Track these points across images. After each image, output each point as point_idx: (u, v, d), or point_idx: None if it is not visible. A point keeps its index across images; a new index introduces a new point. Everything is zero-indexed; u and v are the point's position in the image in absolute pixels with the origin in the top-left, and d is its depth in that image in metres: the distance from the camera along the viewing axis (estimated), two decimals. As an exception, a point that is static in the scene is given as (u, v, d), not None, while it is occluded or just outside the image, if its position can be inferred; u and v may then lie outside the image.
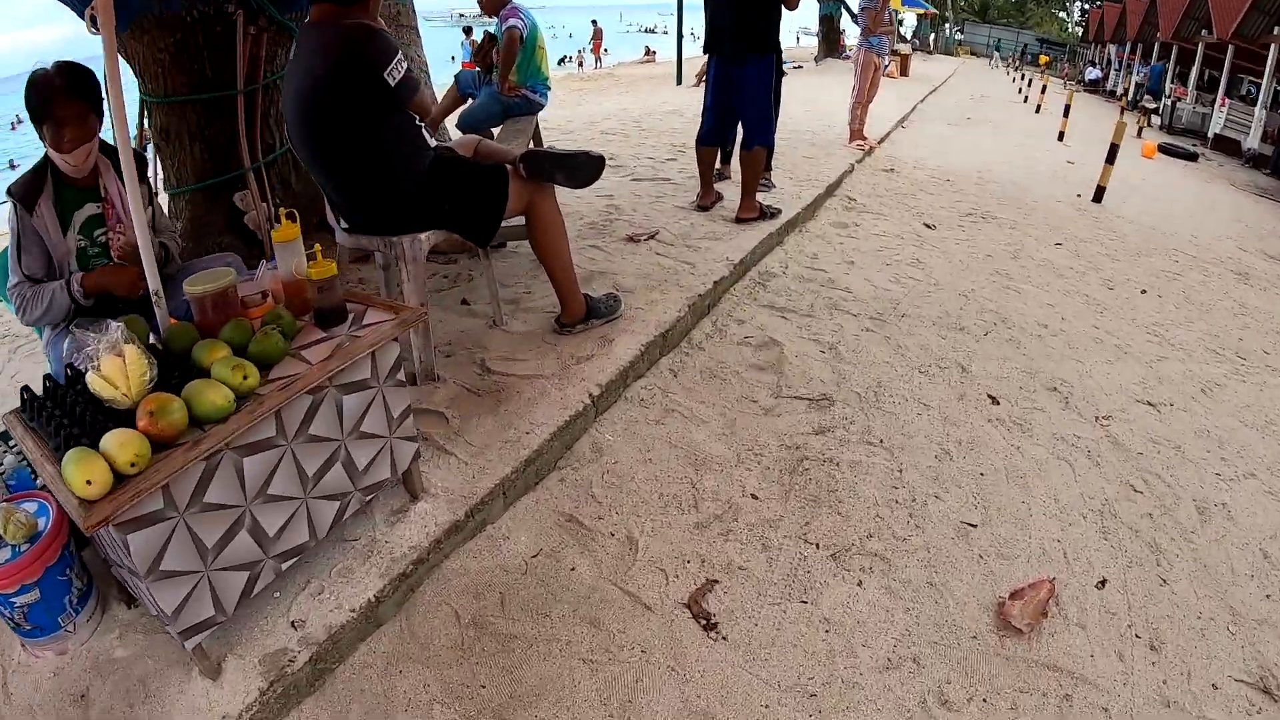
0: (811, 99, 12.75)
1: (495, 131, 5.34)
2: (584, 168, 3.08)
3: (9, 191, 2.45)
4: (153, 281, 2.27)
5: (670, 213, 5.33)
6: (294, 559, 2.09)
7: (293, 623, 2.10)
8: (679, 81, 15.70)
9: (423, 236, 2.88)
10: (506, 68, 5.19)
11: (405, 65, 2.51)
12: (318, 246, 2.18)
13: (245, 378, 1.86)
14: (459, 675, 2.10)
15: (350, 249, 3.16)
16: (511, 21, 5.10)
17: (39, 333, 2.89)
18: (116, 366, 1.80)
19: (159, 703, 1.93)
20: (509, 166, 2.99)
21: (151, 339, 2.22)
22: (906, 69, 20.37)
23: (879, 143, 9.42)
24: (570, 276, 3.34)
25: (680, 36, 16.36)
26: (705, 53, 4.98)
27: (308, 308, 2.29)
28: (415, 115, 2.73)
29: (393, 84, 2.48)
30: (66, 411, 1.85)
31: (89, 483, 1.60)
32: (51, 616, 2.04)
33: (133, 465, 1.65)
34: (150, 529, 1.73)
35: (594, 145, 7.71)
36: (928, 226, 6.15)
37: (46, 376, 2.01)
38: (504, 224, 3.00)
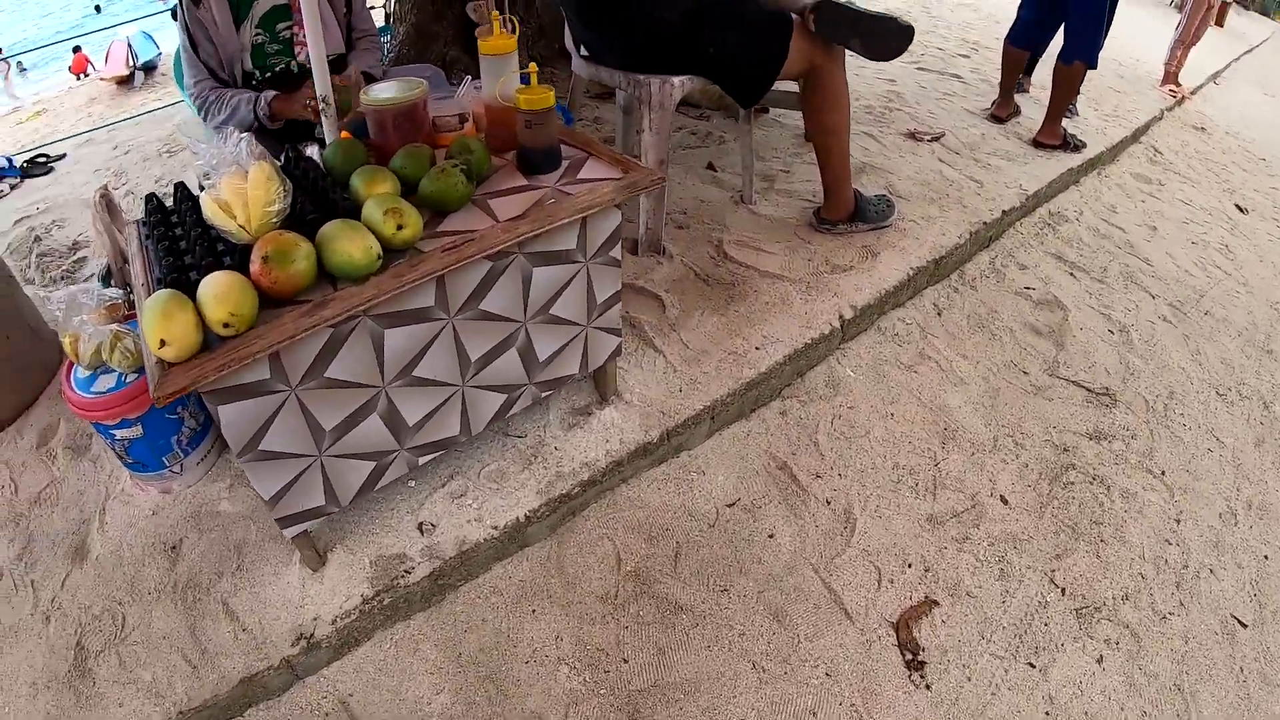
0: (1120, 27, 10.64)
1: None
2: (890, 35, 2.35)
3: None
4: (320, 85, 1.77)
5: (959, 115, 4.42)
6: (436, 453, 1.67)
7: (420, 525, 1.80)
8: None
9: (675, 81, 2.33)
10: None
11: None
12: (533, 66, 1.57)
13: (400, 227, 1.31)
14: (601, 636, 1.76)
15: (586, 79, 2.58)
16: None
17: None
18: (236, 189, 1.29)
19: (248, 579, 1.72)
20: (795, 17, 2.35)
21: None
22: (1223, 19, 17.00)
23: (1191, 94, 7.72)
24: (844, 164, 2.73)
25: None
26: None
27: (512, 143, 1.71)
28: None
29: None
30: (175, 238, 1.40)
31: (163, 343, 1.13)
32: (156, 455, 1.83)
33: (226, 326, 1.16)
34: (249, 402, 1.28)
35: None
36: (1240, 209, 4.93)
37: (179, 185, 1.57)
38: (775, 85, 2.40)
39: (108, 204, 2.21)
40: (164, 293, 1.18)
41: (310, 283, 1.26)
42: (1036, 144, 4.11)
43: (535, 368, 1.74)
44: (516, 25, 1.69)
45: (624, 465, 2.00)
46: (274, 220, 1.31)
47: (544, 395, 1.83)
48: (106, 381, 1.72)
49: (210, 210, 1.30)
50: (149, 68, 8.87)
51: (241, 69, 2.15)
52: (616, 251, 1.68)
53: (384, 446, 1.56)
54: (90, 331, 1.67)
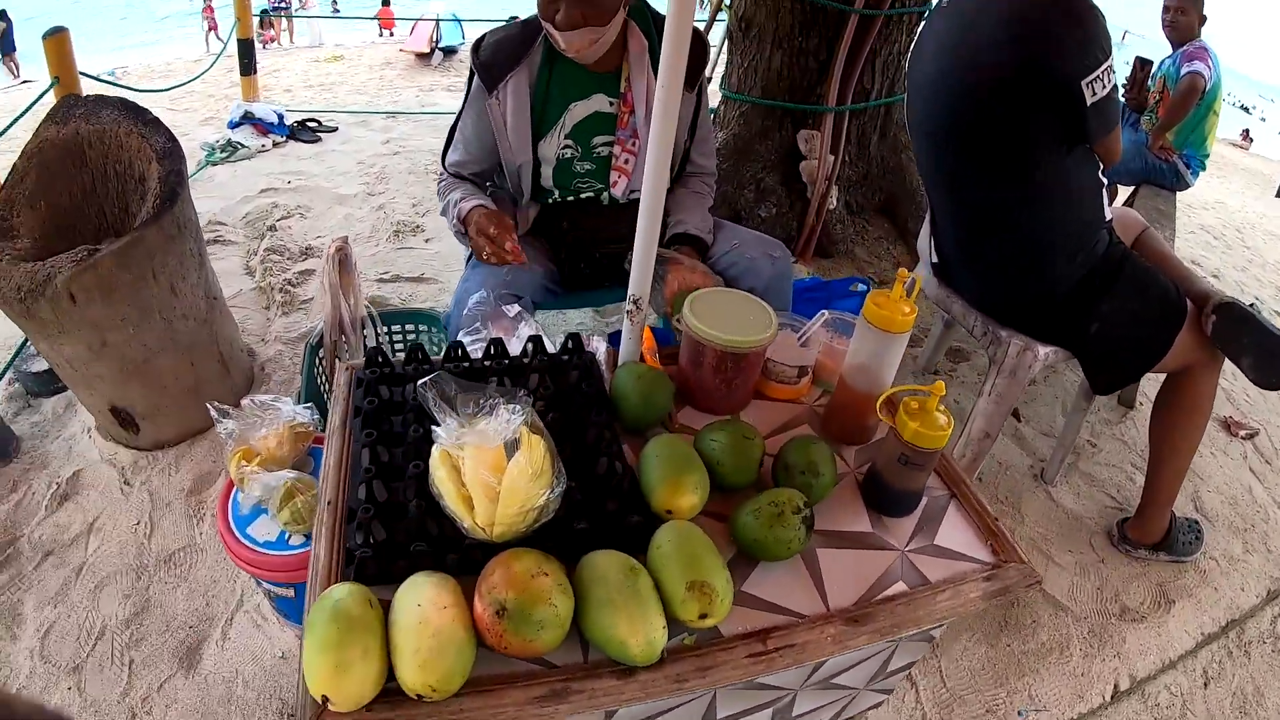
0: None
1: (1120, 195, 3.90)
2: (1290, 367, 1.82)
3: (475, 50, 1.69)
4: (637, 283, 1.24)
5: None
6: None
7: None
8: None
9: (1041, 352, 1.86)
10: (1171, 121, 3.81)
11: (1112, 78, 1.53)
12: (938, 389, 1.11)
13: (704, 615, 0.89)
14: None
15: (931, 297, 2.13)
16: (1197, 66, 3.69)
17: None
18: (484, 479, 0.90)
19: None
20: (1190, 306, 1.85)
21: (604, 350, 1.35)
22: None
23: None
24: (1176, 484, 2.18)
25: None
26: None
27: (855, 437, 1.28)
28: (1099, 160, 1.73)
29: (1089, 101, 1.52)
30: (391, 443, 1.08)
31: (326, 700, 0.76)
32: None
33: (420, 696, 0.78)
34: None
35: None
36: None
37: (417, 349, 1.25)
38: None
39: (341, 260, 1.94)
40: (344, 605, 0.81)
41: (555, 647, 0.86)
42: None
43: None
44: (900, 284, 1.22)
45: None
46: (526, 527, 0.93)
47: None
48: (267, 530, 1.41)
49: (441, 485, 0.93)
50: (449, 50, 9.17)
51: (535, 182, 1.77)
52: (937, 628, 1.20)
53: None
54: (263, 481, 1.37)
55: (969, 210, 1.85)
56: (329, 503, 1.03)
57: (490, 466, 0.90)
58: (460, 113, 1.74)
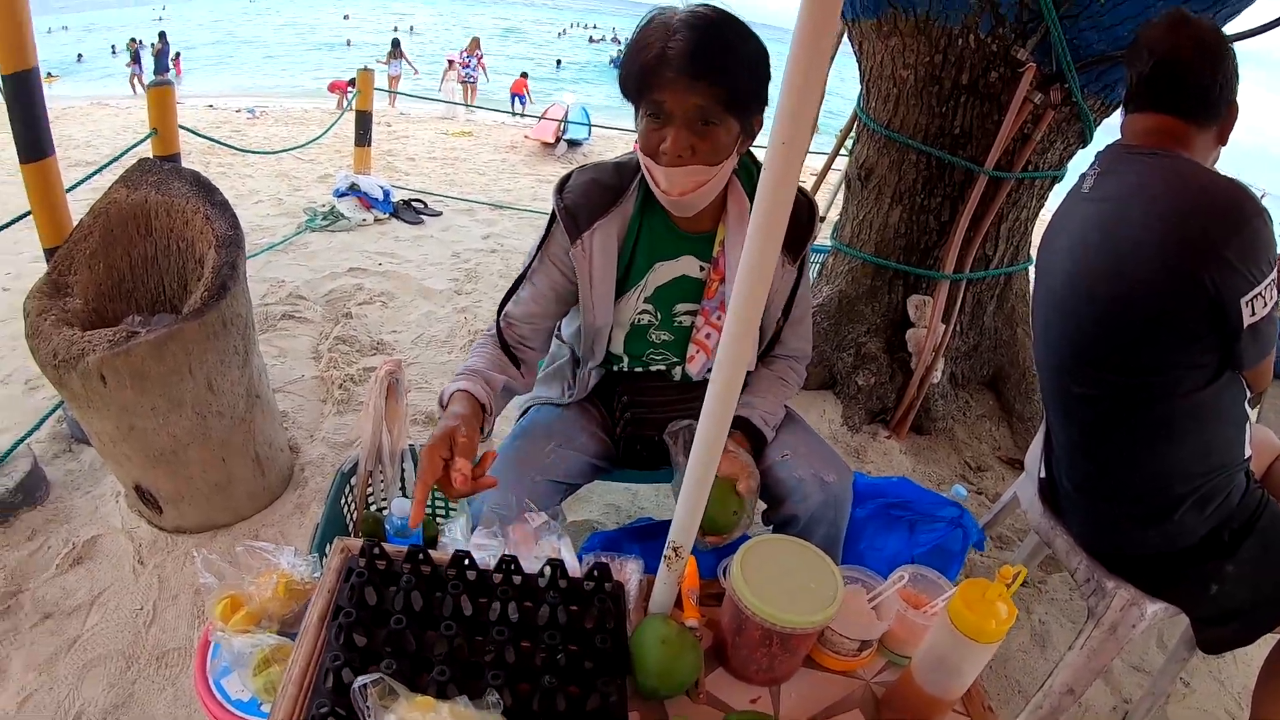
0: None
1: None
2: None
3: (559, 191, 1.44)
4: (682, 526, 1.00)
5: None
6: None
7: None
8: None
9: (1149, 610, 1.57)
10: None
11: (1274, 295, 1.33)
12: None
13: None
14: None
15: (1033, 524, 1.85)
16: None
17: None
18: None
19: None
20: None
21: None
22: None
23: None
24: None
25: None
26: None
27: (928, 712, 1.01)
28: (1247, 387, 1.50)
29: (1246, 322, 1.31)
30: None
31: None
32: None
33: None
34: None
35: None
36: None
37: (417, 551, 1.05)
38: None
39: (390, 386, 1.78)
40: None
41: None
42: None
43: None
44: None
45: None
46: None
47: None
48: (238, 687, 1.23)
49: None
50: (574, 143, 9.34)
51: (604, 348, 1.54)
52: None
53: None
54: (235, 647, 1.18)
55: (1089, 436, 1.60)
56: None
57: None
58: (532, 260, 1.47)
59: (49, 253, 2.23)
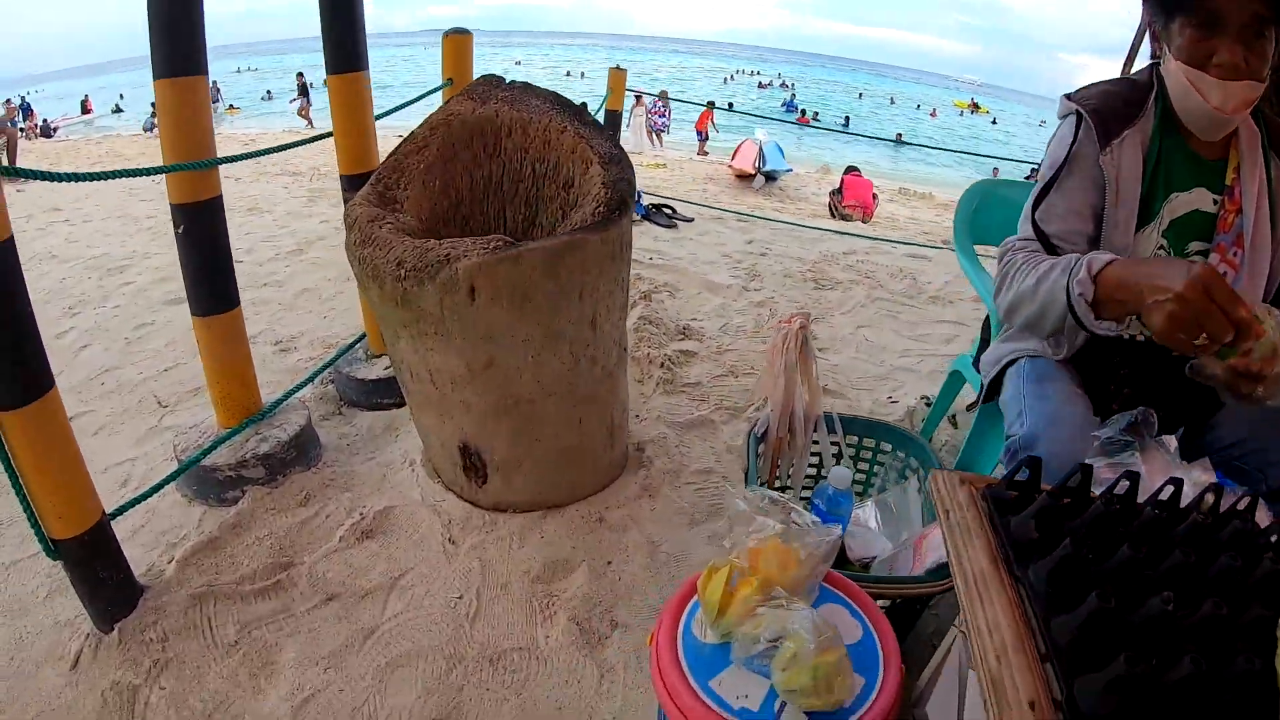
0: None
1: None
2: None
3: (1071, 97, 1.33)
4: None
5: None
6: None
7: None
8: None
9: None
10: None
11: None
12: None
13: None
14: None
15: None
16: None
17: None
18: None
19: None
20: None
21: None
22: None
23: None
24: None
25: None
26: None
27: None
28: None
29: None
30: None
31: None
32: None
33: None
34: None
35: None
36: None
37: (1024, 463, 0.83)
38: None
39: (803, 341, 1.46)
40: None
41: None
42: None
43: None
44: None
45: None
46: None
47: None
48: (741, 688, 0.88)
49: None
50: (771, 176, 9.12)
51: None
52: None
53: None
54: (781, 621, 0.86)
55: None
56: (1030, 705, 0.58)
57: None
58: (1058, 170, 1.29)
59: (348, 179, 2.03)
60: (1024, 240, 1.29)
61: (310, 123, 16.02)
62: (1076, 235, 1.28)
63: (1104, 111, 1.27)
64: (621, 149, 1.68)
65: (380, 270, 1.43)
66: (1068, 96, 1.33)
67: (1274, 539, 0.78)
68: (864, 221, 7.36)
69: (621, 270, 1.62)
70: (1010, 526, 0.79)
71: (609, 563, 1.65)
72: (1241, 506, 0.82)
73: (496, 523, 1.72)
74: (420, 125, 1.77)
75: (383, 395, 2.20)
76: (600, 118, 5.17)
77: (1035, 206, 1.30)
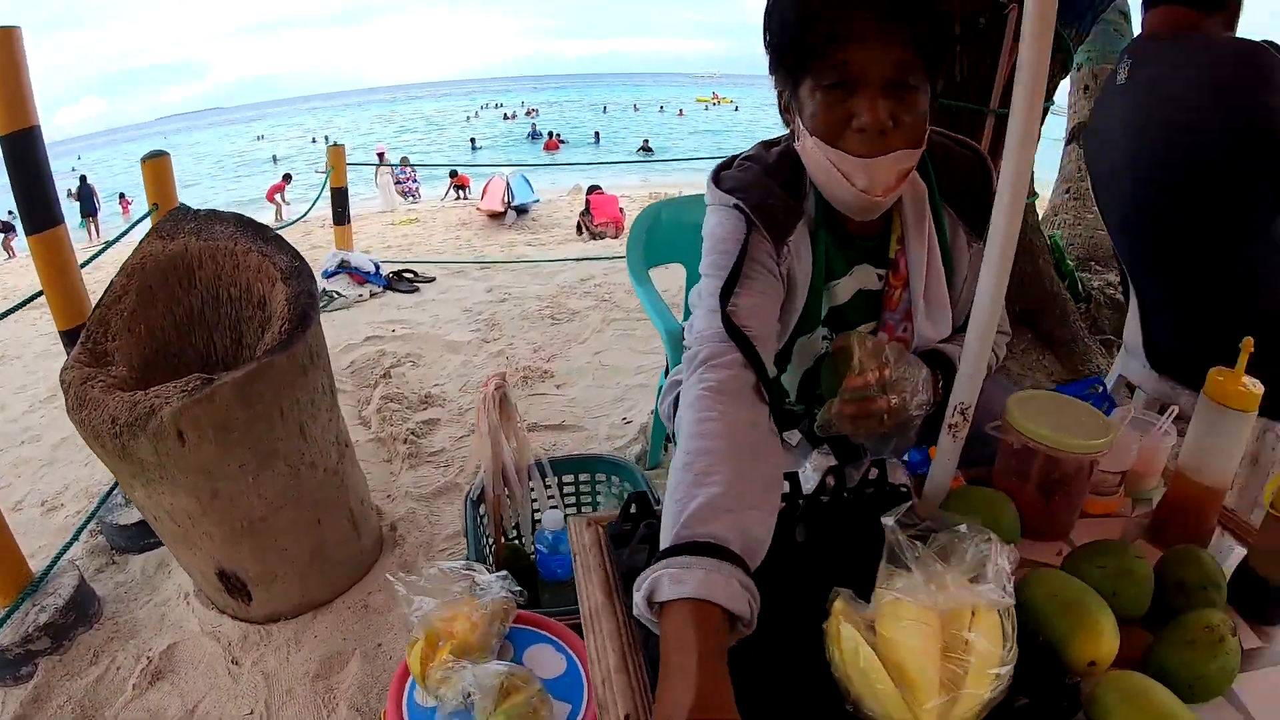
0: None
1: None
2: None
3: (717, 180, 1.14)
4: (966, 385, 0.92)
5: None
6: None
7: None
8: None
9: None
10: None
11: None
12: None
13: None
14: None
15: (1150, 392, 1.84)
16: None
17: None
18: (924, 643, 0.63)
19: None
20: None
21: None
22: None
23: None
24: None
25: None
26: None
27: (1198, 539, 0.98)
28: None
29: None
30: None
31: None
32: None
33: None
34: None
35: None
36: None
37: (633, 498, 0.93)
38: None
39: (501, 400, 1.69)
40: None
41: None
42: None
43: None
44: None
45: None
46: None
47: None
48: None
49: (856, 671, 0.63)
50: (521, 209, 9.36)
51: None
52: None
53: None
54: (473, 677, 1.05)
55: (1186, 292, 1.69)
56: (626, 717, 0.69)
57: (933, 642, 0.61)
58: (738, 263, 1.02)
59: (67, 335, 2.02)
60: (718, 340, 0.96)
61: (12, 253, 14.58)
62: (769, 333, 1.05)
63: (765, 209, 1.07)
64: (302, 260, 1.82)
65: (99, 430, 1.50)
66: (717, 183, 1.13)
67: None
68: (616, 237, 7.78)
69: (319, 378, 1.74)
70: (623, 558, 0.87)
71: (379, 645, 1.79)
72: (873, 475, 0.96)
73: (271, 634, 1.82)
74: (118, 273, 1.81)
75: (148, 535, 2.20)
76: (327, 196, 5.23)
77: (723, 300, 0.99)
